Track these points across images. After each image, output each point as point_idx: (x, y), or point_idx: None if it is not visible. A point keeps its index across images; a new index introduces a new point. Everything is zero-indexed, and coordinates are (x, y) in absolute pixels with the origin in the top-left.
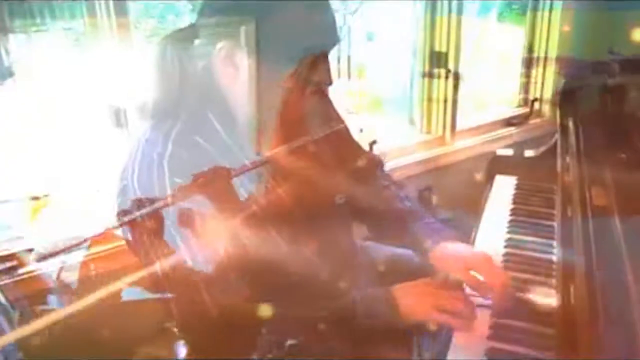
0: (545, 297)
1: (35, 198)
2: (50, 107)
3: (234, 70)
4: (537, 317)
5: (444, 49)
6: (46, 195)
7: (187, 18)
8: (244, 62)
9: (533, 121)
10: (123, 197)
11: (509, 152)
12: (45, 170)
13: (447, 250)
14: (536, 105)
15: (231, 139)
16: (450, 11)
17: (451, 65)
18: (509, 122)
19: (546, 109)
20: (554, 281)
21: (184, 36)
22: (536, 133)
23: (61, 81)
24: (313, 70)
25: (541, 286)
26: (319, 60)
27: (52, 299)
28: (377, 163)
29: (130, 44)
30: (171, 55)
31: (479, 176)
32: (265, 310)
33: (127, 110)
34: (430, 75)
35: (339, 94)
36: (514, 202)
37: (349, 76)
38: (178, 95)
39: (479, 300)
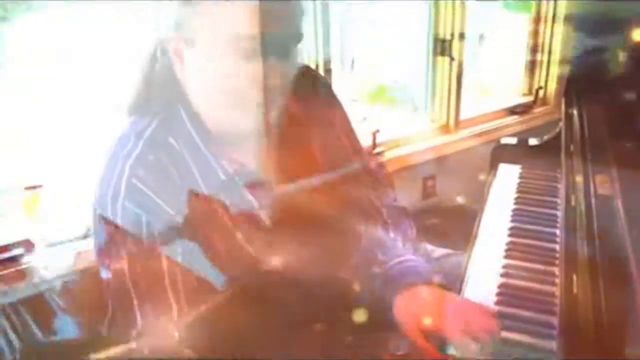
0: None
1: (31, 188)
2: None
3: (181, 64)
4: (539, 306)
5: (448, 37)
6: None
7: None
8: (189, 54)
9: (538, 109)
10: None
11: (513, 140)
12: (43, 161)
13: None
14: (541, 93)
15: (203, 142)
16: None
17: (455, 53)
18: (513, 111)
19: (551, 97)
20: (557, 270)
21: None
22: (541, 122)
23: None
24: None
25: (544, 275)
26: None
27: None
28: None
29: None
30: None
31: (483, 164)
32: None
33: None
34: (434, 63)
35: (342, 82)
36: (518, 191)
37: (352, 64)
38: (151, 90)
39: None
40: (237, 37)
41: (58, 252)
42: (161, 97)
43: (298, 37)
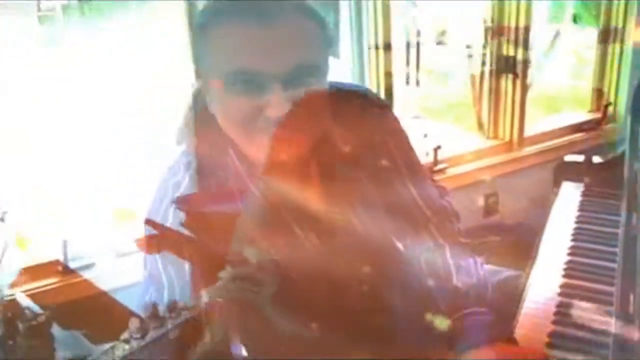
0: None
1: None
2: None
3: (208, 96)
4: (597, 326)
5: (511, 53)
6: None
7: None
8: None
9: (606, 127)
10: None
11: (577, 158)
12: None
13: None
14: (610, 110)
15: (248, 175)
16: (518, 13)
17: (519, 70)
18: (580, 128)
19: (620, 114)
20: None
21: None
22: (608, 139)
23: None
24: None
25: (603, 295)
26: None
27: None
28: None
29: None
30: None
31: (546, 182)
32: None
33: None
34: (498, 80)
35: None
36: (580, 209)
37: (417, 81)
38: (193, 121)
39: None
40: (240, 71)
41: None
42: (202, 127)
43: (309, 68)
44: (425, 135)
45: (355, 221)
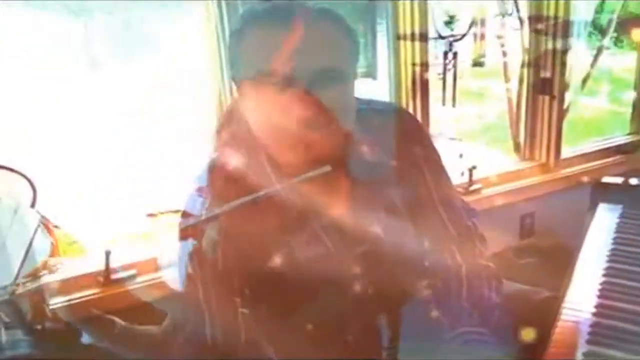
0: None
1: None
2: None
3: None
4: (630, 346)
5: (548, 75)
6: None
7: None
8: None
9: None
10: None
11: (614, 179)
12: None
13: None
14: None
15: (278, 181)
16: (555, 37)
17: (556, 91)
18: (618, 150)
19: None
20: None
21: None
22: None
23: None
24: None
25: (638, 316)
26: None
27: None
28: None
29: None
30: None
31: (582, 204)
32: None
33: None
34: (535, 101)
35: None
36: (617, 231)
37: (454, 103)
38: (228, 124)
39: None
40: (268, 72)
41: None
42: (238, 131)
43: (334, 72)
44: (461, 156)
45: (380, 233)
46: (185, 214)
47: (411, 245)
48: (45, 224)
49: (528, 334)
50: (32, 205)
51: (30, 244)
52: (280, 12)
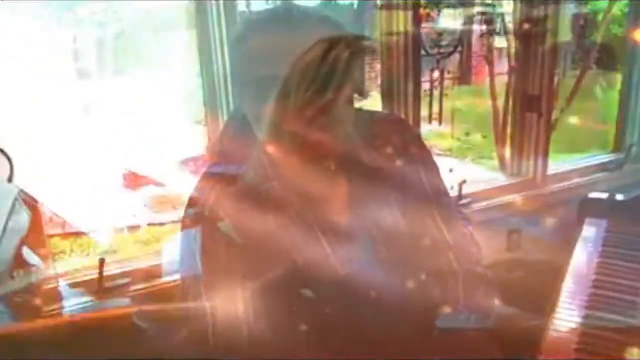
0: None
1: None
2: None
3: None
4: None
5: (536, 92)
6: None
7: None
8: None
9: (630, 167)
10: None
11: (601, 195)
12: None
13: None
14: (633, 150)
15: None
16: (543, 54)
17: (543, 109)
18: (603, 167)
19: None
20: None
21: None
22: (631, 179)
23: None
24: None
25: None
26: None
27: None
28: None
29: None
30: None
31: (569, 219)
32: None
33: None
34: (522, 119)
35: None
36: (604, 245)
37: (440, 120)
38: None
39: None
40: (270, 76)
41: None
42: (240, 137)
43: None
44: (451, 170)
45: (376, 237)
46: (189, 205)
47: (409, 245)
48: (25, 199)
49: None
50: (10, 179)
51: (9, 218)
52: (282, 19)
